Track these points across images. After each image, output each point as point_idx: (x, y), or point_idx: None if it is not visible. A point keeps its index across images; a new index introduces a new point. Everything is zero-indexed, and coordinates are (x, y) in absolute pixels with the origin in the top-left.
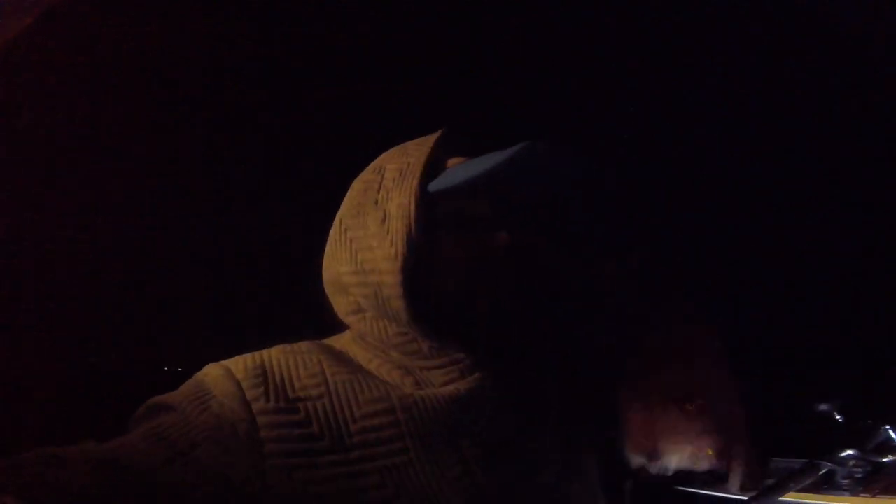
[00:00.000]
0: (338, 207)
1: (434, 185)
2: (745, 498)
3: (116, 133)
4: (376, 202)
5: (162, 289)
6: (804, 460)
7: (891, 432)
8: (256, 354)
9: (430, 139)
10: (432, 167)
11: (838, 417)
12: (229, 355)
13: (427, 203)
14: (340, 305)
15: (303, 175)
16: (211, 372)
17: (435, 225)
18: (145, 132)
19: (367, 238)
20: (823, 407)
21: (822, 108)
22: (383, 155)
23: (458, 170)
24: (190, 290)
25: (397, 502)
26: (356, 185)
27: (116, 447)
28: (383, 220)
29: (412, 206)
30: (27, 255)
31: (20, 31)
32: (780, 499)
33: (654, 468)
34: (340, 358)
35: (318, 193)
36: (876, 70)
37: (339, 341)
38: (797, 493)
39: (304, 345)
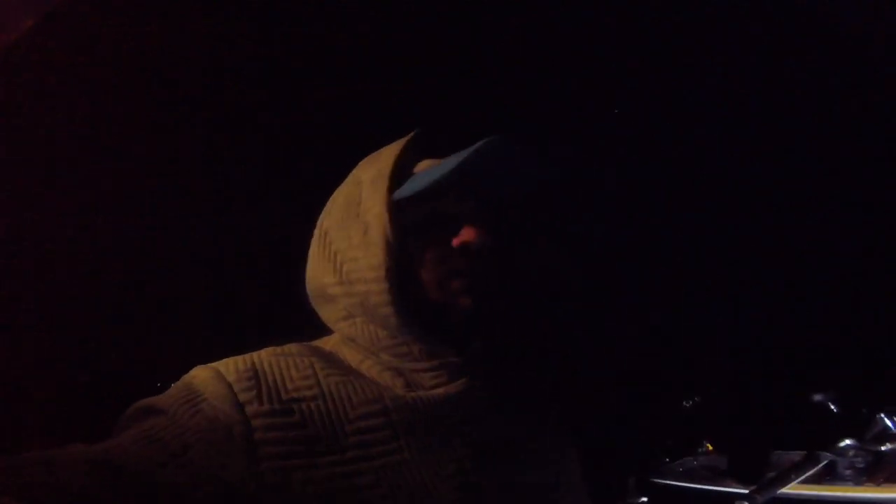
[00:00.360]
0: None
1: (405, 190)
2: (747, 491)
3: (116, 133)
4: (358, 215)
5: (162, 289)
6: (804, 452)
7: (886, 420)
8: (247, 357)
9: (400, 143)
10: (405, 171)
11: (833, 408)
12: (229, 356)
13: (400, 208)
14: (328, 313)
15: (303, 175)
16: (200, 374)
17: (410, 229)
18: (145, 132)
19: (351, 249)
20: (818, 398)
21: (822, 108)
22: (360, 164)
23: (429, 172)
24: (190, 290)
25: (393, 501)
26: (338, 199)
27: (109, 449)
28: (365, 232)
29: (385, 214)
30: (27, 255)
31: (21, 32)
32: (784, 490)
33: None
34: (331, 359)
35: (318, 193)
36: (876, 70)
37: (328, 343)
38: (801, 485)
39: (293, 347)
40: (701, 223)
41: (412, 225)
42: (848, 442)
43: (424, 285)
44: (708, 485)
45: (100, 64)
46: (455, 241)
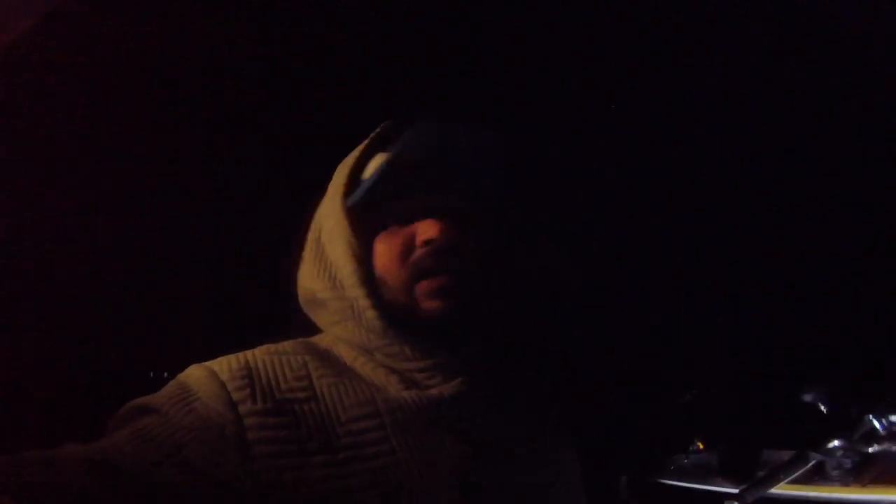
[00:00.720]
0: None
1: (361, 190)
2: (737, 491)
3: (116, 133)
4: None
5: (162, 289)
6: (793, 451)
7: (875, 422)
8: (241, 355)
9: (361, 147)
10: (365, 167)
11: (822, 407)
12: (228, 354)
13: (367, 209)
14: (321, 318)
15: (303, 175)
16: (194, 373)
17: (371, 232)
18: (145, 132)
19: (339, 257)
20: (808, 397)
21: (823, 108)
22: (338, 168)
23: (376, 170)
24: (190, 290)
25: (390, 501)
26: (324, 206)
27: (104, 449)
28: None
29: (342, 223)
30: (27, 255)
31: (21, 32)
32: (771, 491)
33: None
34: (326, 357)
35: (318, 193)
36: (876, 70)
37: (324, 339)
38: (788, 485)
39: (288, 345)
40: (701, 223)
41: (372, 228)
42: (836, 443)
43: (393, 289)
44: (698, 483)
45: (100, 64)
46: (418, 240)
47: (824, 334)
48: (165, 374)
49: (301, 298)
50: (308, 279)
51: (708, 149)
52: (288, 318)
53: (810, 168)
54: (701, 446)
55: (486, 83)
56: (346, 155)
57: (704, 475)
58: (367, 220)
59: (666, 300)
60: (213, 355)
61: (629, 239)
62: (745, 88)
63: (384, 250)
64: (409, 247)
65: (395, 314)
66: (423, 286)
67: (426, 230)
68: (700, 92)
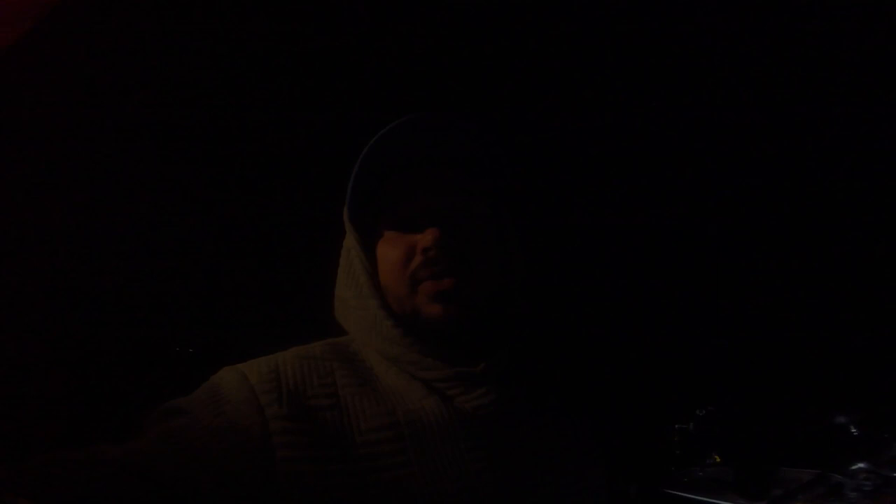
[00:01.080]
0: (337, 206)
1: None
2: None
3: (116, 133)
4: None
5: (162, 288)
6: (815, 471)
7: None
8: (271, 359)
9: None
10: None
11: (854, 430)
12: (228, 354)
13: (373, 218)
14: (350, 324)
15: (302, 175)
16: (226, 376)
17: (373, 240)
18: (145, 132)
19: (358, 268)
20: (840, 419)
21: (823, 107)
22: None
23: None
24: (190, 289)
25: None
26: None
27: (129, 450)
28: None
29: (353, 242)
30: (27, 255)
31: (21, 32)
32: None
33: None
34: (353, 363)
35: (317, 193)
36: (876, 70)
37: (353, 342)
38: None
39: (318, 348)
40: (725, 232)
41: (376, 236)
42: (861, 465)
43: (397, 297)
44: (713, 498)
45: (100, 64)
46: (418, 247)
47: (850, 351)
48: (191, 350)
49: (336, 307)
50: (340, 288)
51: (707, 149)
52: (288, 319)
53: (810, 168)
54: (717, 459)
55: (488, 82)
56: (345, 156)
57: (719, 490)
58: (379, 228)
59: (686, 308)
60: (212, 354)
61: (650, 248)
62: (746, 88)
63: (386, 258)
64: (410, 254)
65: (404, 321)
66: (422, 291)
67: (423, 238)
68: (700, 92)
